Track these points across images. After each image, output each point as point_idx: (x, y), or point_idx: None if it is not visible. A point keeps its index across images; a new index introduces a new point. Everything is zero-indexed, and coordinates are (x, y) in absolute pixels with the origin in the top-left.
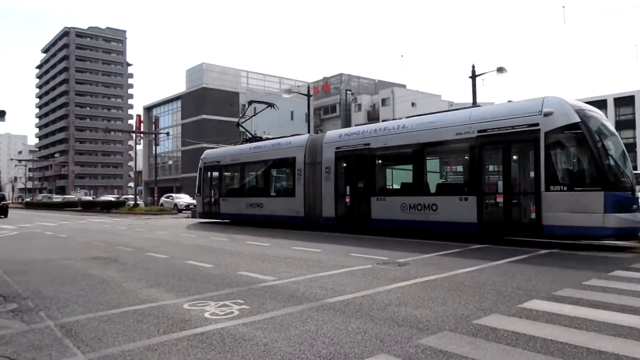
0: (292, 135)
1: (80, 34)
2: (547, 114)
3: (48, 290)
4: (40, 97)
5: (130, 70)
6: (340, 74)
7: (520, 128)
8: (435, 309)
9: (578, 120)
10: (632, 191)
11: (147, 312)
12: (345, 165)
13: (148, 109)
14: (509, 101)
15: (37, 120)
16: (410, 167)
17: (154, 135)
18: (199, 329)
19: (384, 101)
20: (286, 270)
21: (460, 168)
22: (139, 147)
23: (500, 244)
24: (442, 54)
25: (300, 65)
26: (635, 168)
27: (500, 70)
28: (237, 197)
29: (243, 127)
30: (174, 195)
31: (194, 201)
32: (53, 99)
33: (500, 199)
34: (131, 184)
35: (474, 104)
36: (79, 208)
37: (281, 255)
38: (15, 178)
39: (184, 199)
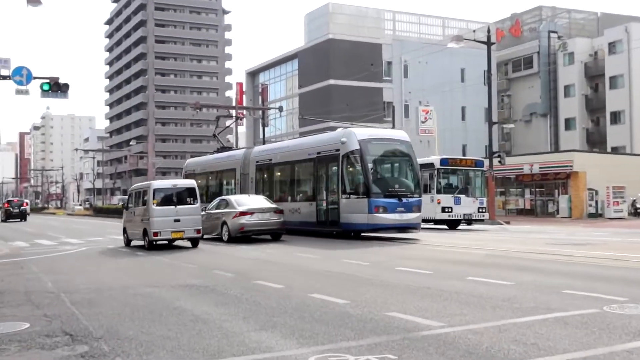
0: (239, 148)
1: None
2: (343, 142)
3: (126, 328)
4: (110, 63)
5: (227, 20)
6: (539, 8)
7: (332, 152)
8: None
9: (358, 147)
10: (399, 197)
11: None
12: (260, 177)
13: (252, 75)
14: None
15: (107, 95)
16: (290, 179)
17: (261, 112)
18: None
19: (612, 46)
20: (459, 312)
21: (310, 180)
22: (241, 129)
23: (336, 237)
24: None
25: None
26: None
27: None
28: (206, 204)
29: (217, 138)
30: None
31: None
32: (127, 66)
33: (324, 204)
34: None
35: None
36: None
37: (450, 288)
38: (81, 175)
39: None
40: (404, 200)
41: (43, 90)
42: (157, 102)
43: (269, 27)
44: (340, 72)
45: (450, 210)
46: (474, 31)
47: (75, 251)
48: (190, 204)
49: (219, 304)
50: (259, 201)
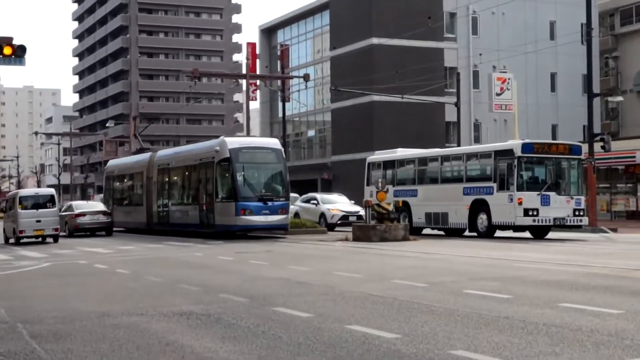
0: (148, 150)
1: None
2: (216, 151)
3: None
4: (79, 18)
5: None
6: None
7: (210, 160)
8: None
9: (229, 155)
10: (265, 201)
11: None
12: (161, 180)
13: (268, 32)
14: None
15: (75, 61)
16: (182, 183)
17: (280, 82)
18: None
19: None
20: (550, 351)
21: (195, 185)
22: (254, 105)
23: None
24: None
25: None
26: None
27: None
28: (120, 206)
29: (137, 138)
30: (318, 196)
31: (357, 208)
32: (102, 21)
33: (205, 207)
34: None
35: None
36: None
37: (537, 319)
38: (43, 167)
39: (338, 203)
40: (270, 203)
41: None
42: (142, 70)
43: None
44: (386, 27)
45: (535, 213)
46: None
47: (36, 267)
48: (49, 208)
49: (226, 338)
50: (93, 205)
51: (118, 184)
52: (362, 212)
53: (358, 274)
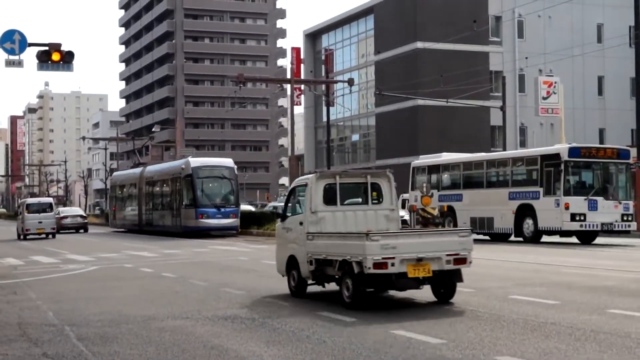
0: (139, 165)
1: None
2: (182, 169)
3: None
4: (125, 24)
5: None
6: None
7: (178, 175)
8: None
9: (191, 172)
10: (218, 208)
11: None
12: (148, 190)
13: (312, 37)
14: None
15: (122, 67)
16: (161, 193)
17: (324, 87)
18: None
19: None
20: (598, 358)
21: (170, 194)
22: (298, 110)
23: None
24: None
25: None
26: None
27: None
28: (120, 210)
29: (136, 154)
30: None
31: (402, 213)
32: (148, 27)
33: (174, 213)
34: (284, 180)
35: None
36: None
37: (585, 325)
38: (90, 172)
39: None
40: (222, 209)
41: (41, 61)
42: (188, 75)
43: None
44: (431, 31)
45: (582, 217)
46: None
47: (82, 271)
48: (48, 212)
49: (271, 342)
50: (74, 211)
51: (119, 192)
52: (406, 216)
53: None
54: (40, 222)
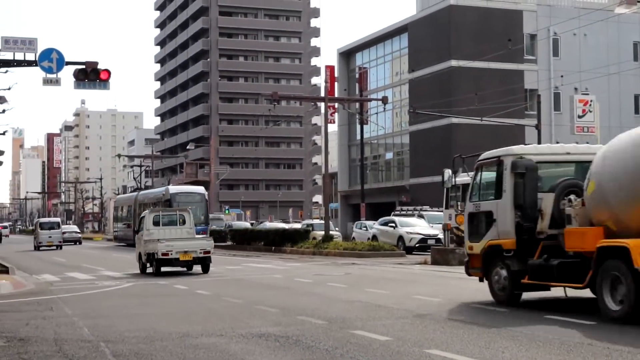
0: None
1: None
2: (164, 194)
3: None
4: (161, 43)
5: None
6: None
7: (161, 199)
8: None
9: (170, 197)
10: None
11: None
12: (140, 211)
13: (346, 55)
14: None
15: (157, 85)
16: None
17: (358, 105)
18: None
19: None
20: None
21: None
22: (332, 128)
23: None
24: None
25: None
26: None
27: None
28: (122, 228)
29: (136, 180)
30: (396, 219)
31: (436, 231)
32: (183, 45)
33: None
34: (317, 198)
35: None
36: (228, 243)
37: (619, 346)
38: (125, 189)
39: (416, 226)
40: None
41: (77, 79)
42: (222, 93)
43: None
44: (465, 50)
45: None
46: None
47: (117, 288)
48: (56, 229)
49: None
50: (72, 227)
51: (120, 212)
52: (441, 235)
53: (437, 298)
54: (50, 237)
